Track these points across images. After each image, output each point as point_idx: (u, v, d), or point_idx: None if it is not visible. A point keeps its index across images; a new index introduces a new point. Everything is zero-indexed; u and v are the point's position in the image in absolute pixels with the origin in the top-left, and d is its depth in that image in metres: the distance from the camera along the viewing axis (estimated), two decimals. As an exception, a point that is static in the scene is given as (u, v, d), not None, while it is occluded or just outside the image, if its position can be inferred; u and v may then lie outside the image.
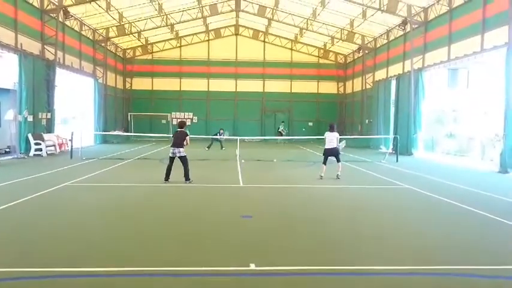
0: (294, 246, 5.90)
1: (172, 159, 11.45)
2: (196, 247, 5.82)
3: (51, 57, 21.60)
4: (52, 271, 4.75)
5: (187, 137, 11.54)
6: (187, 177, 11.41)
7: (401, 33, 25.45)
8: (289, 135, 33.33)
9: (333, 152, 12.91)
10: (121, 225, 7.00)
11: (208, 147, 24.20)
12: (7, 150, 19.55)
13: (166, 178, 11.45)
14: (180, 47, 37.04)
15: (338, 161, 13.03)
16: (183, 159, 11.41)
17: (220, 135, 25.30)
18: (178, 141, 11.40)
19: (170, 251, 5.65)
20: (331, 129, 12.99)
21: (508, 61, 15.06)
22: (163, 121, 36.35)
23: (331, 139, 12.87)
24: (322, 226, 7.15)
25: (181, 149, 11.35)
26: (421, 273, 4.97)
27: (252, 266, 4.98)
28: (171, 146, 11.55)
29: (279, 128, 32.95)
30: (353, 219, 7.75)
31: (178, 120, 12.11)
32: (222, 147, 24.84)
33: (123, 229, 6.77)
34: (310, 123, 37.54)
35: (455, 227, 7.24)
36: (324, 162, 12.94)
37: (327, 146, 12.90)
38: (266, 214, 8.02)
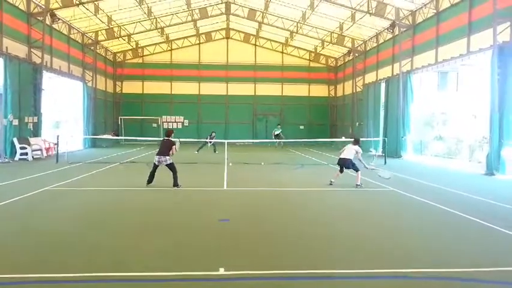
0: (267, 250, 5.82)
1: (156, 166, 11.44)
2: (166, 251, 5.71)
3: (38, 60, 21.40)
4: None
5: (174, 146, 11.48)
6: (175, 183, 11.32)
7: (390, 36, 25.55)
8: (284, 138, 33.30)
9: (344, 162, 12.22)
10: (89, 231, 6.79)
11: (198, 151, 24.08)
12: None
13: (149, 182, 11.45)
14: (171, 50, 36.94)
15: (356, 170, 12.26)
16: (171, 167, 11.38)
17: (211, 138, 25.16)
18: (164, 149, 11.36)
19: (137, 256, 5.51)
20: (355, 143, 12.50)
21: (493, 64, 15.13)
22: (154, 125, 36.18)
23: (349, 150, 12.25)
24: (298, 229, 7.07)
25: (167, 157, 11.29)
26: (397, 276, 4.90)
27: (221, 271, 4.89)
28: (156, 154, 11.53)
29: (275, 131, 32.28)
30: (331, 223, 7.69)
31: (167, 129, 11.99)
32: (215, 150, 24.69)
33: (91, 235, 6.56)
34: (302, 127, 37.55)
35: (435, 230, 7.19)
36: (341, 171, 12.48)
37: (339, 156, 12.47)
38: (244, 218, 7.94)
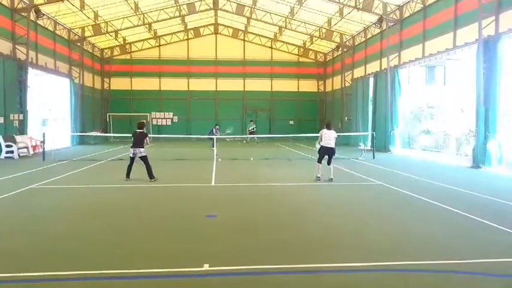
0: (253, 246, 5.82)
1: (132, 159, 11.76)
2: (150, 248, 5.67)
3: (23, 57, 21.07)
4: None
5: (147, 138, 11.97)
6: (150, 176, 11.63)
7: (378, 31, 25.62)
8: (270, 133, 33.24)
9: (331, 151, 11.89)
10: (71, 229, 6.72)
11: (213, 146, 23.84)
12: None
13: (127, 176, 11.77)
14: (159, 46, 36.64)
15: (329, 163, 11.98)
16: (144, 159, 11.70)
17: (215, 132, 24.88)
18: (138, 141, 11.68)
19: (121, 253, 5.47)
20: (329, 127, 12.04)
21: (479, 57, 15.26)
22: (143, 121, 35.78)
23: (330, 137, 11.85)
24: (284, 224, 7.07)
25: (141, 149, 11.65)
26: (376, 269, 4.94)
27: (206, 267, 4.87)
28: (131, 147, 11.81)
29: (248, 127, 32.10)
30: (318, 217, 7.70)
31: (139, 121, 12.17)
32: (213, 145, 24.34)
33: (73, 233, 6.49)
34: (291, 122, 37.59)
35: (418, 222, 7.25)
36: (320, 161, 12.00)
37: (325, 144, 11.81)
38: (232, 213, 7.91)
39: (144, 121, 12.91)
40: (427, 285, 4.55)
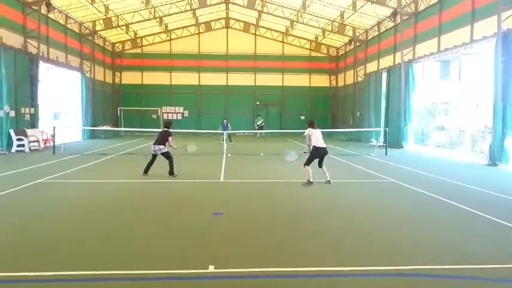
0: (261, 247, 5.59)
1: (153, 156, 11.68)
2: (152, 248, 5.48)
3: (34, 51, 21.10)
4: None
5: (171, 138, 11.66)
6: (171, 172, 11.49)
7: (392, 24, 25.10)
8: (281, 129, 32.94)
9: (324, 153, 10.73)
10: (75, 226, 6.56)
11: (230, 140, 23.68)
12: (-10, 146, 19.13)
13: (145, 172, 11.64)
14: (170, 40, 36.51)
15: (321, 166, 10.83)
16: (167, 155, 11.58)
17: (224, 127, 24.72)
18: (160, 139, 11.61)
19: (123, 253, 5.29)
20: (313, 126, 10.87)
21: (497, 52, 14.78)
22: (154, 116, 35.84)
23: (320, 136, 10.77)
24: (294, 225, 6.84)
25: (161, 146, 11.52)
26: (390, 274, 4.69)
27: (211, 268, 4.68)
28: (153, 144, 11.76)
29: (256, 122, 31.79)
30: (327, 217, 7.45)
31: (166, 119, 12.21)
32: (224, 139, 24.15)
33: (75, 230, 6.34)
34: (302, 117, 37.06)
35: (433, 223, 6.96)
36: (308, 164, 10.63)
37: (319, 145, 10.61)
38: (239, 211, 7.71)
39: (171, 120, 12.82)
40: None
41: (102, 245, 5.59)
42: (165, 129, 11.83)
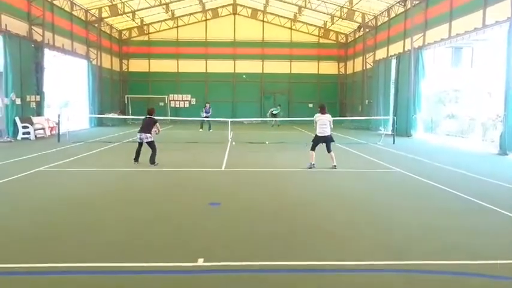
0: (255, 239, 5.41)
1: (140, 144, 11.52)
2: (140, 240, 5.32)
3: (39, 38, 21.00)
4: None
5: (157, 124, 11.62)
6: (152, 161, 11.34)
7: (402, 10, 24.48)
8: (288, 117, 32.52)
9: (327, 139, 10.99)
10: (69, 216, 6.45)
11: (209, 127, 23.65)
12: (-2, 134, 19.19)
13: (136, 160, 11.51)
14: (177, 27, 36.18)
15: (329, 150, 11.08)
16: (151, 145, 11.44)
17: (206, 112, 24.38)
18: (145, 127, 11.45)
19: (110, 244, 5.13)
20: (323, 111, 11.04)
21: (510, 37, 14.26)
22: (161, 103, 35.68)
23: (324, 123, 10.93)
24: (293, 216, 6.65)
25: (148, 135, 11.38)
26: (391, 269, 4.47)
27: (200, 262, 4.51)
28: (138, 132, 11.58)
29: (273, 110, 31.39)
30: (329, 209, 7.24)
31: (148, 107, 12.11)
32: (209, 127, 24.02)
33: (67, 220, 6.21)
34: (310, 105, 36.66)
35: (439, 215, 6.70)
36: (313, 149, 11.08)
37: (320, 133, 10.93)
38: (237, 202, 7.53)
39: (154, 107, 12.67)
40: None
41: (90, 234, 5.45)
42: (149, 116, 11.65)
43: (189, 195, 8.05)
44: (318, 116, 11.10)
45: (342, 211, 6.94)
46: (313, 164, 10.96)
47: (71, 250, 4.89)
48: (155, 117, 11.74)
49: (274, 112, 30.08)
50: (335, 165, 10.97)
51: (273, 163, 12.31)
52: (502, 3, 15.30)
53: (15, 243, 5.13)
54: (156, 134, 11.69)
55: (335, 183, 9.55)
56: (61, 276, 4.22)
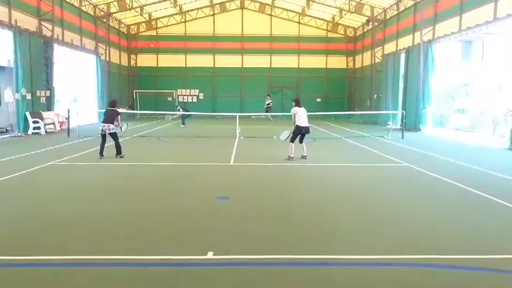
0: (265, 233, 5.43)
1: (103, 136, 11.65)
2: (152, 232, 5.40)
3: (48, 33, 21.15)
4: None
5: (119, 117, 11.88)
6: (118, 152, 11.64)
7: (411, 3, 24.22)
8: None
9: (307, 130, 11.60)
10: (74, 210, 6.54)
11: (183, 122, 23.73)
12: (8, 128, 19.40)
13: (101, 154, 11.56)
14: (185, 22, 36.19)
15: (302, 141, 11.67)
16: (114, 136, 11.68)
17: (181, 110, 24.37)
18: (108, 118, 11.68)
19: (122, 238, 5.19)
20: (298, 105, 11.62)
21: (522, 30, 14.06)
22: (169, 98, 35.86)
23: (304, 115, 11.49)
24: (302, 209, 6.67)
25: (111, 126, 11.61)
26: (397, 263, 4.48)
27: (210, 255, 4.55)
28: (101, 123, 11.88)
29: (266, 102, 31.24)
30: (337, 202, 7.24)
31: (110, 100, 12.54)
32: (168, 117, 24.13)
33: (74, 215, 6.31)
34: (319, 99, 36.64)
35: (448, 211, 6.68)
36: (293, 141, 11.55)
37: (303, 124, 11.39)
38: (246, 196, 7.56)
39: (116, 99, 13.23)
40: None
41: (97, 229, 5.52)
42: (112, 108, 11.89)
43: (197, 190, 8.08)
44: (296, 109, 11.60)
45: (351, 206, 6.94)
46: (292, 157, 11.45)
47: (81, 243, 4.96)
48: (118, 110, 12.06)
49: (270, 105, 30.02)
50: (305, 156, 11.53)
51: (281, 158, 12.30)
52: (513, -4, 15.09)
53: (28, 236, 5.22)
54: (116, 126, 11.76)
55: (344, 177, 9.53)
56: (69, 267, 4.28)
